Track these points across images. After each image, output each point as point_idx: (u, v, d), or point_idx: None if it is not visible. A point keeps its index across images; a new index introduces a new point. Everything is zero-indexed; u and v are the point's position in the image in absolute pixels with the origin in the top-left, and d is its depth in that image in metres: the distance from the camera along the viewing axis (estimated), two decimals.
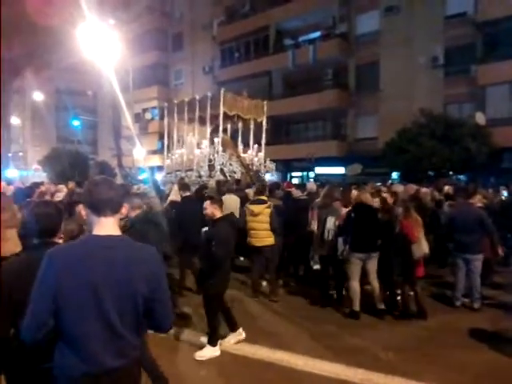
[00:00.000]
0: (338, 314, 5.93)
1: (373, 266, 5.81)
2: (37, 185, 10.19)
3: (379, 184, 12.55)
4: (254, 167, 13.88)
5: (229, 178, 12.17)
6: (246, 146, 14.82)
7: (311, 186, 9.21)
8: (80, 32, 16.53)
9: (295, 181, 22.68)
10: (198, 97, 13.63)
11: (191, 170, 13.23)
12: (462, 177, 17.73)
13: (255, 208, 6.61)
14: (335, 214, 6.16)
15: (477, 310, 6.00)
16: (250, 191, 9.07)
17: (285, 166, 26.13)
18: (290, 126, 28.00)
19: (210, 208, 4.67)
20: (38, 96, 36.04)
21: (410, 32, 21.10)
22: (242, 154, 14.08)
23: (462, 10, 19.84)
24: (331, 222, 6.12)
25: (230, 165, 12.99)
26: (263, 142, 14.47)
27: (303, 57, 24.19)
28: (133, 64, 26.29)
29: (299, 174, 26.29)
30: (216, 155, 12.84)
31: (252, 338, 4.98)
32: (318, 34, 25.39)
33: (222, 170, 12.61)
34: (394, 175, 19.80)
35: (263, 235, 6.55)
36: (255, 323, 5.59)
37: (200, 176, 12.68)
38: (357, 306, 5.74)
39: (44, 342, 1.78)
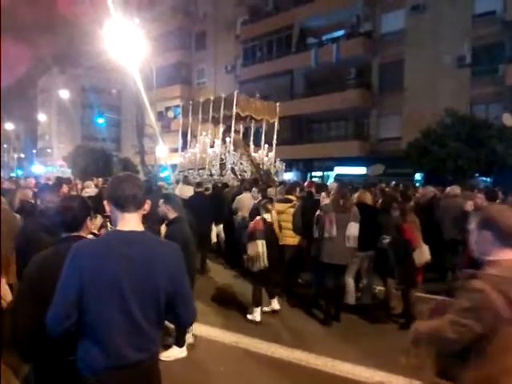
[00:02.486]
0: (355, 316, 5.87)
1: (366, 264, 5.97)
2: (66, 181, 10.40)
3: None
4: (265, 167, 14.01)
5: (239, 176, 12.33)
6: (259, 145, 14.99)
7: (333, 186, 9.08)
8: (106, 31, 16.85)
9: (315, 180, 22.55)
10: (212, 98, 13.81)
11: (203, 168, 13.46)
12: (487, 179, 17.29)
13: (279, 206, 6.67)
14: (357, 220, 5.60)
15: None
16: (272, 190, 9.08)
17: (305, 166, 26.02)
18: (311, 125, 27.86)
19: (162, 207, 4.55)
20: (64, 94, 36.85)
21: (437, 31, 20.66)
22: (252, 154, 14.25)
23: (491, 8, 19.33)
24: (355, 228, 5.54)
25: (241, 164, 13.16)
26: (274, 142, 14.61)
27: (326, 56, 23.98)
28: (156, 63, 26.58)
29: (320, 173, 26.13)
30: (227, 154, 13.02)
31: (271, 337, 4.99)
32: (341, 32, 25.18)
33: (232, 169, 12.80)
34: (418, 176, 19.46)
35: (286, 234, 6.55)
36: (274, 322, 5.59)
37: (211, 174, 12.91)
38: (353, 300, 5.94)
39: (68, 334, 1.82)
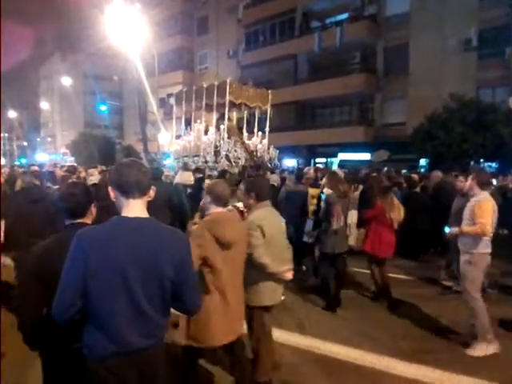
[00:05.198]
0: (351, 301, 5.89)
1: None
2: (72, 169, 10.39)
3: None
4: (258, 154, 14.06)
5: (233, 164, 12.40)
6: (254, 133, 15.06)
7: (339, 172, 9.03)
8: (107, 16, 16.66)
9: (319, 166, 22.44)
10: (205, 85, 13.88)
11: (198, 155, 13.56)
12: (493, 164, 17.16)
13: (312, 191, 6.74)
14: (356, 207, 5.94)
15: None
16: (273, 177, 9.06)
17: (309, 152, 25.90)
18: (315, 110, 27.64)
19: None
20: (66, 81, 36.65)
21: (442, 13, 20.30)
22: (246, 141, 14.29)
23: None
24: (354, 216, 5.87)
25: (235, 151, 13.21)
26: (267, 129, 14.73)
27: (330, 39, 23.59)
28: (158, 48, 26.34)
29: (323, 159, 26.00)
30: (222, 142, 13.08)
31: (275, 323, 4.97)
32: (345, 15, 24.80)
33: (227, 156, 12.87)
34: (423, 162, 19.32)
35: None
36: (278, 308, 5.58)
37: (206, 162, 12.98)
38: None
39: (73, 322, 1.81)
